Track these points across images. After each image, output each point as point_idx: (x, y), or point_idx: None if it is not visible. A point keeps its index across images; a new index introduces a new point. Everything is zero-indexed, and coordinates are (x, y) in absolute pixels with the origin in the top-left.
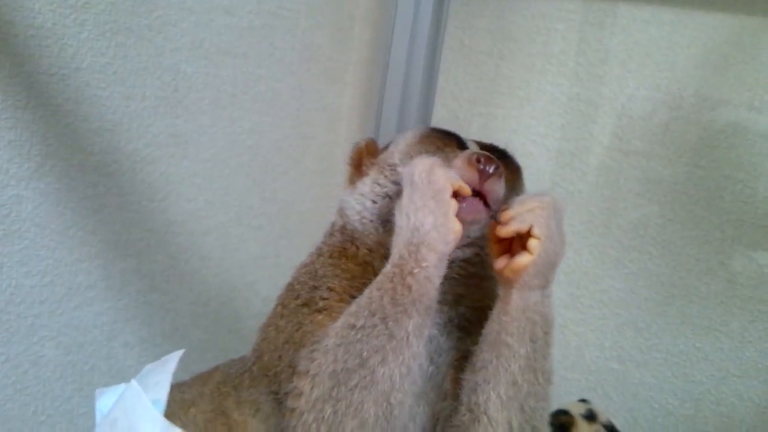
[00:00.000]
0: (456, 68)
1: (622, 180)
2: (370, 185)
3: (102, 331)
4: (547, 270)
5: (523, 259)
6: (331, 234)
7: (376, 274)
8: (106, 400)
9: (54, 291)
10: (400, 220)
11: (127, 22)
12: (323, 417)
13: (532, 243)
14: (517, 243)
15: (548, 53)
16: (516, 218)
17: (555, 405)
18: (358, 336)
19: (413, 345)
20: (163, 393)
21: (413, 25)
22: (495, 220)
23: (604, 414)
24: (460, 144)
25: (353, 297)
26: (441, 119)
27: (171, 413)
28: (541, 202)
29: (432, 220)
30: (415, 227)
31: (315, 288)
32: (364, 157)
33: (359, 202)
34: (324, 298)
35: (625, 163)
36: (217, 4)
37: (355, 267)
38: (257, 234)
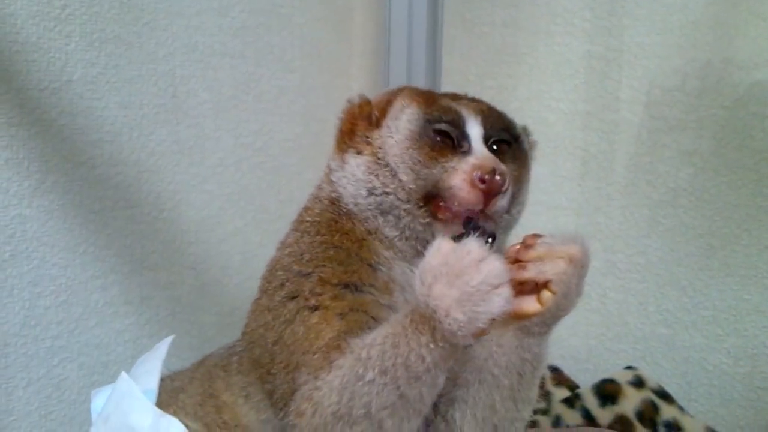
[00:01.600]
0: (460, 44)
1: (645, 133)
2: (364, 172)
3: (126, 349)
4: (551, 321)
5: (530, 308)
6: (317, 200)
7: (372, 255)
8: (100, 400)
9: (70, 310)
10: (424, 295)
11: (115, 30)
12: None
13: (546, 296)
14: (532, 282)
15: (552, 13)
16: (538, 264)
17: (600, 376)
18: (366, 389)
19: (426, 403)
20: (153, 382)
21: (410, 5)
22: (517, 258)
23: (653, 379)
24: (458, 137)
25: (348, 287)
26: None
27: (162, 402)
28: (569, 255)
29: (465, 320)
30: (443, 316)
31: (303, 276)
32: (358, 121)
33: (354, 187)
34: (316, 294)
35: (647, 115)
36: (207, 6)
37: (351, 244)
38: (277, 238)
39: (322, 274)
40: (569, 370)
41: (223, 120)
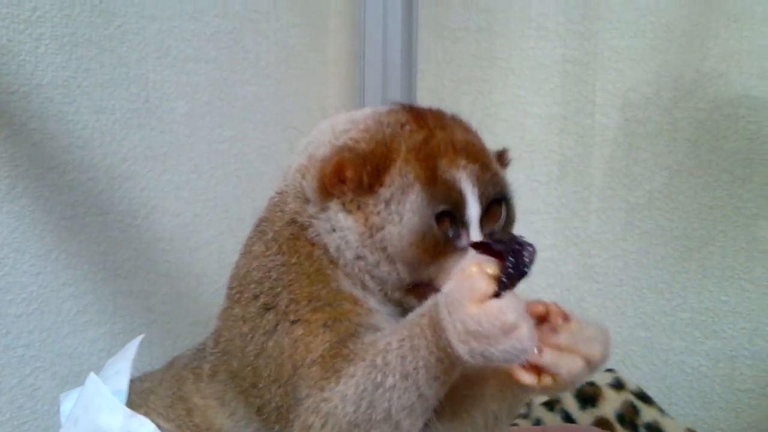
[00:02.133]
0: (435, 49)
1: (620, 137)
2: (355, 240)
3: (99, 358)
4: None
5: (525, 380)
6: (278, 213)
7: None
8: (69, 403)
9: (42, 319)
10: (443, 320)
11: (87, 33)
12: None
13: (546, 381)
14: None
15: (526, 18)
16: (555, 355)
17: None
18: (387, 395)
19: (439, 398)
20: (123, 382)
21: (385, 11)
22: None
23: (633, 382)
24: (457, 226)
25: (323, 297)
26: (425, 103)
27: (132, 403)
28: (589, 357)
29: (473, 360)
30: (455, 344)
31: (275, 291)
32: (347, 174)
33: (340, 243)
34: (292, 310)
35: (622, 118)
36: (180, 10)
37: (310, 267)
38: None
39: (291, 295)
40: None
41: (198, 126)
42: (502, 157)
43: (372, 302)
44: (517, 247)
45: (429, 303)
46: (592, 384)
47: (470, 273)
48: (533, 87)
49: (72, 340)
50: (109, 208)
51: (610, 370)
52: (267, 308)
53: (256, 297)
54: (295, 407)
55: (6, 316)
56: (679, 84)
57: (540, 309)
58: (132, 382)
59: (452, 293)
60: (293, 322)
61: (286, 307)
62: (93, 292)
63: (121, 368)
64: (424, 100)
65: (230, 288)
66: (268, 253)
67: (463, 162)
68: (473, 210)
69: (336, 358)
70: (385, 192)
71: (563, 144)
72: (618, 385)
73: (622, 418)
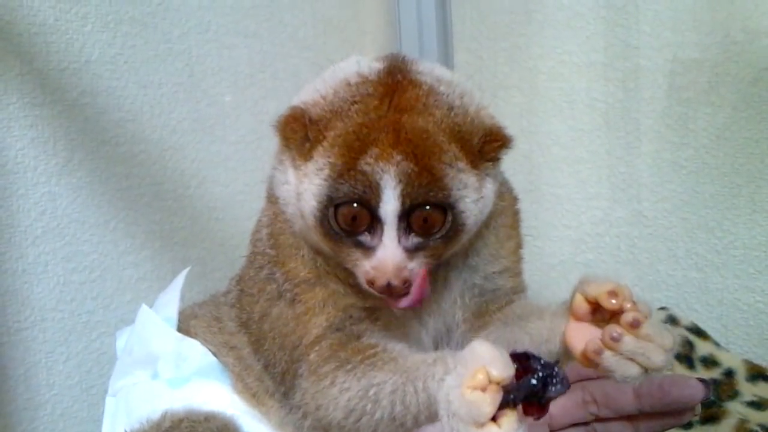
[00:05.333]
0: (469, 8)
1: (661, 77)
2: (293, 195)
3: None
4: None
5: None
6: (268, 220)
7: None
8: (124, 338)
9: (105, 286)
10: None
11: (130, 11)
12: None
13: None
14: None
15: None
16: (641, 344)
17: None
18: (374, 422)
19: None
20: (173, 311)
21: None
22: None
23: (686, 318)
24: (366, 220)
25: (309, 277)
26: (464, 64)
27: (178, 328)
28: (650, 366)
29: None
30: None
31: (272, 266)
32: (295, 134)
33: (288, 196)
34: (288, 289)
35: (662, 58)
36: None
37: (294, 245)
38: None
39: (284, 273)
40: None
41: (241, 98)
42: (487, 145)
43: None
44: (550, 373)
45: (431, 374)
46: None
47: (479, 398)
48: (571, 37)
49: (134, 307)
50: (162, 179)
51: (663, 308)
52: (270, 279)
53: (261, 267)
54: (297, 379)
55: (70, 284)
56: (726, 20)
57: (614, 306)
58: (179, 313)
59: (455, 406)
60: (292, 300)
61: (283, 283)
62: (151, 260)
63: (171, 298)
64: (462, 61)
65: (250, 242)
66: (262, 222)
67: (396, 157)
68: (388, 206)
69: (331, 359)
70: (310, 165)
71: (606, 91)
72: (672, 322)
73: (677, 354)
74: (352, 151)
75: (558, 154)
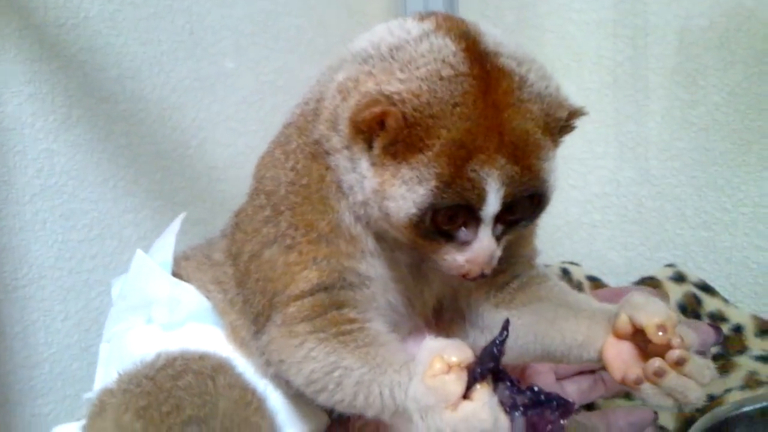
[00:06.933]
0: None
1: (671, 34)
2: (370, 189)
3: None
4: None
5: None
6: (303, 128)
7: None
8: (119, 286)
9: (104, 244)
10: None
11: None
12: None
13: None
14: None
15: None
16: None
17: (641, 276)
18: (334, 400)
19: None
20: (168, 255)
21: None
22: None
23: (694, 274)
24: (471, 206)
25: (321, 229)
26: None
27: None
28: (684, 402)
29: None
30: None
31: (279, 210)
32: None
33: (359, 185)
34: (290, 234)
35: (672, 16)
36: None
37: (327, 203)
38: None
39: (293, 219)
40: (609, 284)
41: (244, 58)
42: (567, 123)
43: (370, 243)
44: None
45: (398, 382)
46: (652, 278)
47: (443, 381)
48: None
49: None
50: (162, 138)
51: (670, 265)
52: (269, 221)
53: (263, 207)
54: (268, 323)
55: (69, 242)
56: None
57: (662, 340)
58: (175, 257)
59: (423, 398)
60: (289, 247)
61: (286, 229)
62: (152, 219)
63: (166, 242)
64: (467, 15)
65: (252, 178)
66: (286, 164)
67: (500, 161)
68: (491, 208)
69: (307, 321)
70: (406, 171)
71: (615, 48)
72: (679, 279)
73: (684, 310)
74: (459, 159)
75: None
